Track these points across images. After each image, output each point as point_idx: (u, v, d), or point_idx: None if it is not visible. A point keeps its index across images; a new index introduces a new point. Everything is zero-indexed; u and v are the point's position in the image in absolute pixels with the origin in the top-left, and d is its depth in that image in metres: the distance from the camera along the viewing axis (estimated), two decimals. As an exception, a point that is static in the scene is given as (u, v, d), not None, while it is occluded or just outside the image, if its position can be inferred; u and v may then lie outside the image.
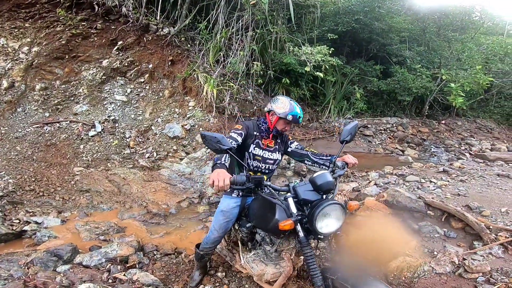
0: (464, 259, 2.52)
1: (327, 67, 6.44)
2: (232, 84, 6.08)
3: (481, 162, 6.30)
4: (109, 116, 5.63)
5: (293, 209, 1.58)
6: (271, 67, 6.87)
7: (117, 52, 6.15)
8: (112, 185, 4.49)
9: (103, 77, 5.96)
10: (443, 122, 10.43)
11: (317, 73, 6.19)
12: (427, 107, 10.20)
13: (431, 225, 3.06)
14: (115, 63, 6.04)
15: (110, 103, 5.87)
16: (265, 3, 5.57)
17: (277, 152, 2.17)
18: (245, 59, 6.19)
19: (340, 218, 1.56)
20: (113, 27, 6.17)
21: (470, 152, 7.97)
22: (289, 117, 1.98)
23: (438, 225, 3.09)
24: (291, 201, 1.60)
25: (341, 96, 9.03)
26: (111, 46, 6.15)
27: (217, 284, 2.35)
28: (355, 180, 4.83)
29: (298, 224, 1.55)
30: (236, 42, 6.22)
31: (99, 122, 5.45)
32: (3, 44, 5.59)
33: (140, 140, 5.54)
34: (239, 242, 2.23)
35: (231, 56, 6.24)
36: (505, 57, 9.87)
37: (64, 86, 5.69)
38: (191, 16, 6.47)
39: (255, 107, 6.62)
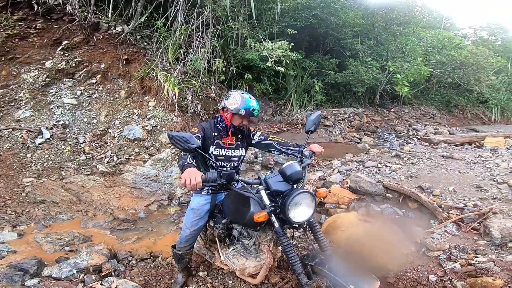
0: (425, 238, 2.75)
1: (287, 61, 6.67)
2: (194, 82, 6.02)
3: (427, 145, 7.14)
4: (57, 121, 5.21)
5: (266, 201, 1.64)
6: (233, 63, 6.93)
7: (62, 53, 5.72)
8: (70, 194, 4.20)
9: (47, 79, 5.48)
10: (392, 110, 11.51)
11: (278, 67, 6.41)
12: (378, 97, 11.17)
13: (391, 207, 3.35)
14: (60, 64, 5.59)
15: (58, 107, 5.42)
16: None
17: (240, 149, 2.18)
18: (207, 56, 6.16)
19: (311, 206, 1.65)
20: (56, 26, 5.74)
21: (417, 136, 8.95)
22: (242, 112, 1.95)
23: (397, 207, 3.40)
24: (263, 193, 1.66)
25: (302, 90, 9.45)
26: (54, 46, 5.71)
27: (200, 283, 2.38)
28: (320, 169, 5.16)
29: (273, 215, 1.64)
30: (197, 39, 6.15)
31: (47, 128, 5.02)
32: None
33: (97, 144, 5.22)
34: (216, 239, 2.26)
35: (192, 53, 6.16)
36: (442, 49, 11.15)
37: (2, 90, 5.11)
38: (147, 13, 6.24)
39: (218, 104, 6.63)
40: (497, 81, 13.41)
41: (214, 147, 2.08)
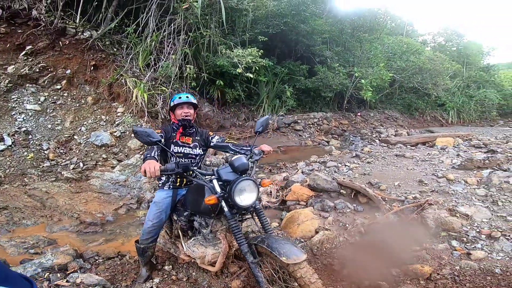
0: (369, 228, 3.13)
1: (257, 68, 7.03)
2: (165, 88, 6.19)
3: (385, 146, 7.79)
4: (19, 128, 5.17)
5: (217, 188, 1.92)
6: (204, 70, 7.17)
7: (26, 58, 5.67)
8: (34, 200, 4.22)
9: (9, 84, 5.42)
10: (359, 114, 12.28)
11: (248, 74, 6.75)
12: (346, 102, 11.89)
13: (344, 202, 3.76)
14: (23, 69, 5.55)
15: (20, 113, 5.37)
16: (198, 7, 5.84)
17: (197, 148, 2.47)
18: (178, 62, 6.36)
19: (254, 191, 1.91)
20: (20, 30, 5.68)
21: (380, 138, 9.67)
22: (175, 102, 2.39)
23: (349, 202, 3.82)
24: (215, 182, 1.94)
25: (273, 95, 9.88)
26: (17, 51, 5.66)
27: (165, 276, 2.60)
28: (286, 170, 5.53)
29: (223, 201, 1.93)
30: (168, 46, 6.33)
31: (8, 134, 4.97)
32: None
33: (62, 151, 5.24)
34: (179, 232, 2.51)
35: (163, 59, 6.33)
36: (403, 55, 12.09)
37: (-42, 96, 4.99)
38: (117, 19, 6.34)
39: None
40: (452, 85, 14.74)
41: (173, 145, 2.40)
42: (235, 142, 2.60)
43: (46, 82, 5.72)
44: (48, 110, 5.61)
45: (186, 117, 2.40)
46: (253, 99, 9.78)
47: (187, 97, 2.42)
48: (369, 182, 4.22)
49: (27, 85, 5.60)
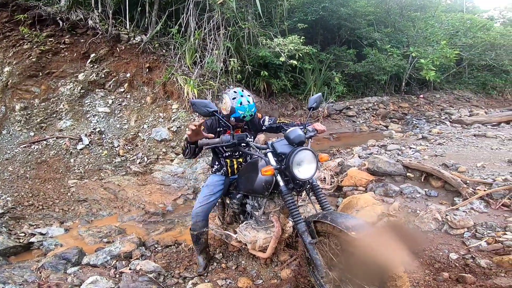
0: (446, 215, 2.60)
1: (301, 55, 6.66)
2: (212, 83, 6.22)
3: (458, 127, 6.65)
4: (94, 129, 5.69)
5: (273, 161, 1.74)
6: (248, 62, 7.05)
7: (92, 65, 6.20)
8: (108, 192, 4.58)
9: (82, 90, 6.01)
10: (422, 96, 10.89)
11: (291, 61, 6.41)
12: (404, 84, 10.68)
13: (412, 186, 3.20)
14: (91, 76, 6.10)
15: (94, 115, 5.92)
16: (232, 1, 5.74)
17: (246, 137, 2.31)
18: (222, 57, 6.35)
19: (313, 162, 1.69)
20: (82, 40, 6.19)
21: (450, 120, 8.36)
22: (232, 120, 2.03)
23: (418, 186, 3.25)
24: (270, 155, 1.76)
25: (321, 83, 9.31)
26: (84, 60, 6.19)
27: (216, 264, 2.51)
28: (340, 156, 5.05)
29: (278, 174, 1.72)
30: (210, 42, 6.37)
31: (86, 135, 5.51)
32: (-28, 68, 5.56)
33: (129, 147, 5.63)
34: (232, 220, 2.40)
35: (207, 56, 6.38)
36: (467, 31, 10.46)
37: (44, 104, 5.72)
38: (161, 22, 6.58)
39: None
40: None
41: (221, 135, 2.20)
42: (286, 121, 2.34)
43: (111, 86, 6.22)
44: (116, 112, 6.09)
45: (237, 126, 2.17)
46: (300, 88, 9.35)
47: (250, 115, 2.03)
48: (444, 163, 3.55)
49: (96, 90, 6.16)
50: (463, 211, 2.71)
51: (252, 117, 2.07)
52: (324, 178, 3.85)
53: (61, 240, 3.39)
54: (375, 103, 9.55)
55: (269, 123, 2.33)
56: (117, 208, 4.28)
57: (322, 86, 9.37)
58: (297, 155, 1.64)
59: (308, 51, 7.04)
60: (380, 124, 8.47)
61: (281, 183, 1.72)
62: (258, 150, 1.85)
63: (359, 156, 4.40)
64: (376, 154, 4.40)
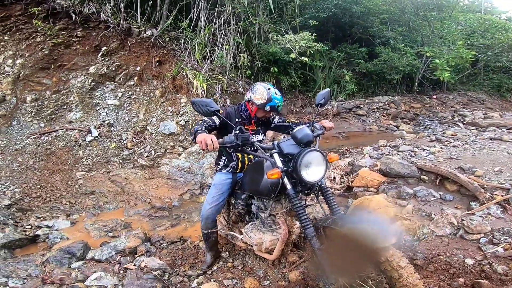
0: (462, 220, 2.49)
1: (312, 52, 6.52)
2: (221, 78, 6.13)
3: (473, 129, 6.40)
4: (103, 121, 5.67)
5: (279, 163, 1.63)
6: (258, 58, 6.92)
7: (103, 58, 6.16)
8: (115, 185, 4.54)
9: (92, 83, 5.98)
10: (435, 97, 10.60)
11: (302, 57, 6.26)
12: (417, 84, 10.40)
13: (426, 189, 3.07)
14: (102, 69, 6.06)
15: (103, 108, 5.90)
16: None
17: (259, 134, 2.19)
18: (231, 52, 6.24)
19: (322, 164, 1.59)
20: (94, 33, 6.17)
21: (463, 122, 8.09)
22: (267, 108, 1.97)
23: (433, 189, 3.11)
24: (276, 156, 1.65)
25: (331, 80, 9.13)
26: (95, 53, 6.16)
27: (222, 263, 2.42)
28: (350, 155, 4.90)
29: (285, 177, 1.61)
30: (221, 37, 6.26)
31: (95, 127, 5.49)
32: (-15, 59, 5.59)
33: (137, 140, 5.58)
34: (237, 218, 2.30)
35: (217, 50, 6.28)
36: (485, 32, 10.12)
37: (54, 95, 5.71)
38: (172, 16, 6.49)
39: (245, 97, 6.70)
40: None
41: (237, 132, 2.06)
42: (294, 121, 2.28)
43: (121, 79, 6.18)
44: (125, 105, 6.05)
45: (265, 118, 2.13)
46: (309, 85, 9.17)
47: (281, 106, 2.03)
48: (459, 167, 3.37)
49: (106, 83, 6.12)
50: (480, 216, 2.58)
51: (280, 111, 2.05)
52: (334, 177, 3.73)
53: (67, 233, 3.35)
54: (386, 103, 9.32)
55: (278, 121, 2.27)
56: (123, 202, 4.24)
57: (332, 84, 9.18)
58: (305, 157, 1.54)
59: (319, 48, 6.88)
60: (391, 124, 8.26)
61: (288, 186, 1.61)
62: (264, 150, 1.75)
63: (370, 156, 4.25)
64: (388, 155, 4.25)
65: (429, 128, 7.67)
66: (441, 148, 4.43)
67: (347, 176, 3.69)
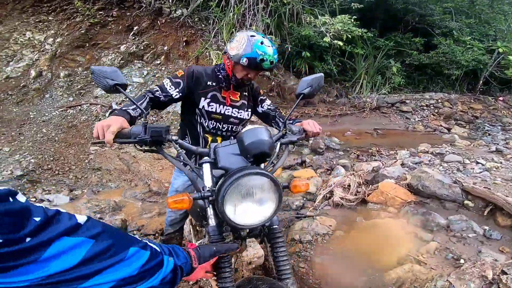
0: (503, 272, 1.65)
1: (350, 37, 5.57)
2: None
3: (551, 141, 4.91)
4: (126, 98, 5.57)
5: (207, 180, 1.01)
6: (289, 41, 6.20)
7: (134, 37, 6.12)
8: (122, 163, 4.40)
9: (122, 61, 5.96)
10: (501, 98, 8.71)
11: (336, 41, 5.36)
12: (482, 82, 8.63)
13: (467, 221, 2.19)
14: (132, 48, 6.02)
15: (128, 85, 5.82)
16: None
17: (244, 110, 1.58)
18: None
19: (269, 198, 0.93)
20: (128, 13, 6.15)
21: (537, 131, 6.39)
22: (243, 61, 1.32)
23: (477, 221, 2.24)
24: (206, 168, 1.03)
25: (374, 71, 8.00)
26: (127, 32, 6.14)
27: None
28: (379, 159, 4.01)
29: (209, 206, 0.98)
30: (249, 17, 5.69)
31: (116, 103, 5.42)
32: (29, 37, 5.88)
33: (155, 119, 5.43)
34: (191, 228, 1.86)
35: (245, 31, 5.73)
36: None
37: (86, 72, 5.80)
38: (203, -5, 6.11)
39: (273, 83, 6.17)
40: None
41: (209, 100, 1.49)
42: (293, 117, 1.72)
43: (149, 58, 6.07)
44: (148, 83, 5.90)
45: (247, 81, 1.47)
46: (347, 74, 8.11)
47: (271, 61, 1.34)
48: (524, 194, 2.39)
49: (135, 61, 6.05)
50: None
51: (272, 66, 1.37)
52: (349, 185, 2.99)
53: (62, 210, 3.24)
54: (439, 100, 7.83)
55: (269, 108, 1.65)
56: (126, 181, 4.07)
57: (375, 75, 8.03)
58: (237, 183, 0.89)
59: (360, 33, 5.89)
60: (441, 125, 6.88)
61: (211, 222, 0.99)
62: (190, 154, 1.18)
63: (402, 164, 3.36)
64: (427, 165, 3.31)
65: (489, 135, 6.20)
66: (501, 163, 3.33)
67: (366, 186, 2.92)
